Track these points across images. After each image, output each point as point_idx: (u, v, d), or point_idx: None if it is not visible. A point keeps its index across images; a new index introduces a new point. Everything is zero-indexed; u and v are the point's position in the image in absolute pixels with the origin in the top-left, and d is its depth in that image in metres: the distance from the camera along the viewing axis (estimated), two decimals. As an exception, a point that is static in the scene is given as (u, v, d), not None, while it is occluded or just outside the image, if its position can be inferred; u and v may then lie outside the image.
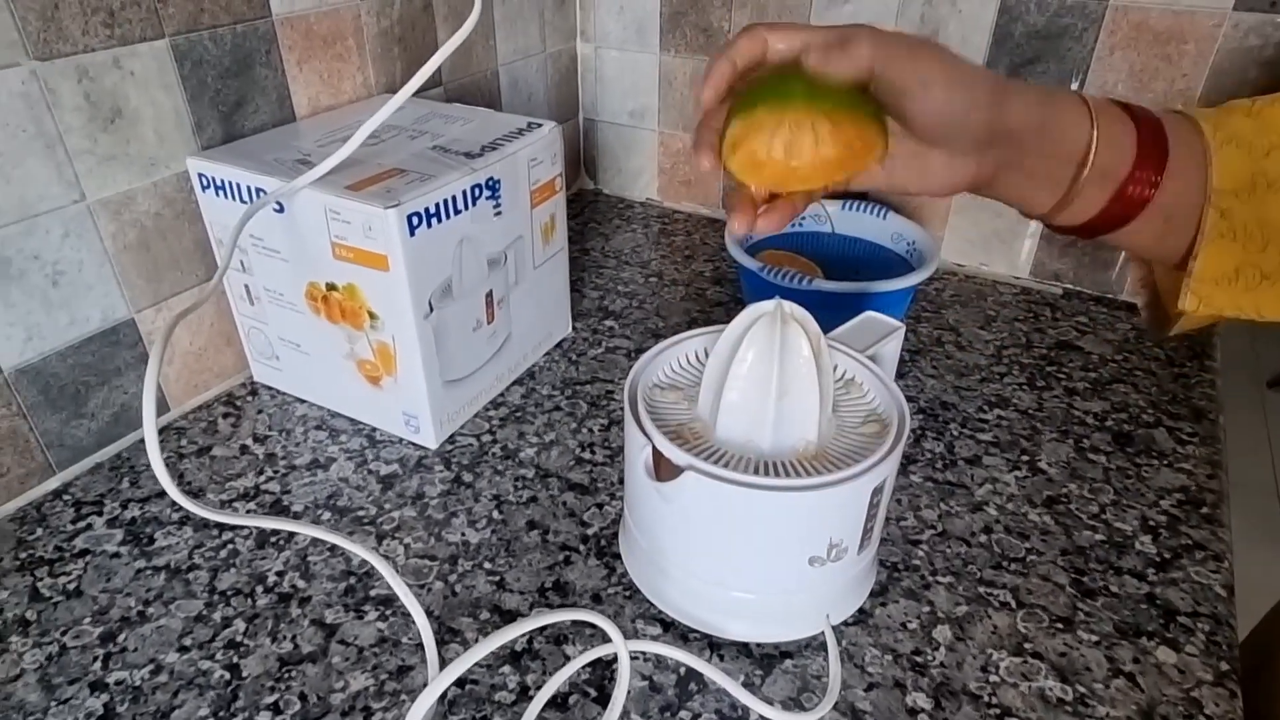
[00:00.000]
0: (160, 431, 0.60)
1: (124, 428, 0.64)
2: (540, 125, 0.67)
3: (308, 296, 0.61)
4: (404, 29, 0.77)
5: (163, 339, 0.46)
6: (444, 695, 0.45)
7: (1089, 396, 0.70)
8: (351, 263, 0.57)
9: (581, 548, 0.55)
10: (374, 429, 0.66)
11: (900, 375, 0.71)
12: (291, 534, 0.56)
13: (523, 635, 0.48)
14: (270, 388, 0.71)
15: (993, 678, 0.46)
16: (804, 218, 0.85)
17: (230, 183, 0.59)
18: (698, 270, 0.92)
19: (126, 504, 0.59)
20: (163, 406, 0.66)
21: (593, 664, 0.47)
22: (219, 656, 0.48)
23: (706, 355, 0.51)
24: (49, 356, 0.58)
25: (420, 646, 0.48)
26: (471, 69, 0.87)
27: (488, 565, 0.54)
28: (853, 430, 0.48)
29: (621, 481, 0.61)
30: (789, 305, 0.45)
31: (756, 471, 0.44)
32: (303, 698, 0.45)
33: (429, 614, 0.50)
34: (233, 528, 0.56)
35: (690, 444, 0.46)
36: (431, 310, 0.59)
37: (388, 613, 0.50)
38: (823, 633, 0.48)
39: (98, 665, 0.47)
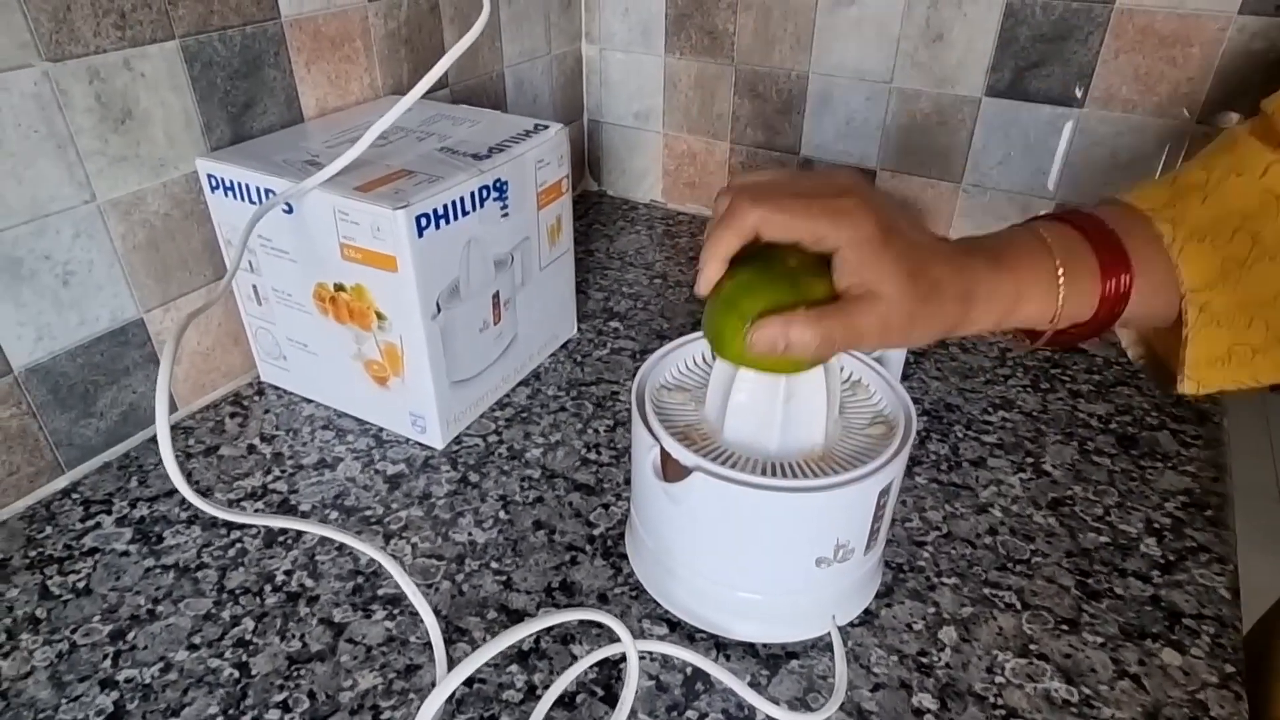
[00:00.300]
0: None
1: (132, 427, 0.64)
2: (547, 127, 0.67)
3: (316, 297, 0.62)
4: (411, 31, 0.78)
5: (174, 339, 0.46)
6: (452, 694, 0.45)
7: (1093, 399, 0.71)
8: (360, 263, 0.57)
9: (588, 548, 0.55)
10: (381, 429, 0.66)
11: (905, 377, 0.72)
12: (299, 533, 0.56)
13: (530, 635, 0.48)
14: (277, 388, 0.71)
15: (998, 679, 0.47)
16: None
17: (239, 183, 0.59)
18: (702, 272, 0.92)
19: (135, 503, 0.59)
20: (170, 406, 0.66)
21: (600, 663, 0.47)
22: (228, 655, 0.48)
23: (714, 357, 0.51)
24: (59, 356, 0.58)
25: (428, 645, 0.48)
26: (478, 70, 0.88)
27: (495, 565, 0.54)
28: (859, 432, 0.48)
29: (627, 482, 0.61)
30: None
31: (764, 473, 0.44)
32: (311, 696, 0.46)
33: (437, 613, 0.50)
34: (241, 527, 0.57)
35: (698, 445, 0.46)
36: (439, 311, 0.59)
37: (395, 612, 0.51)
38: (829, 633, 0.48)
39: (108, 663, 0.47)
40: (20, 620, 0.50)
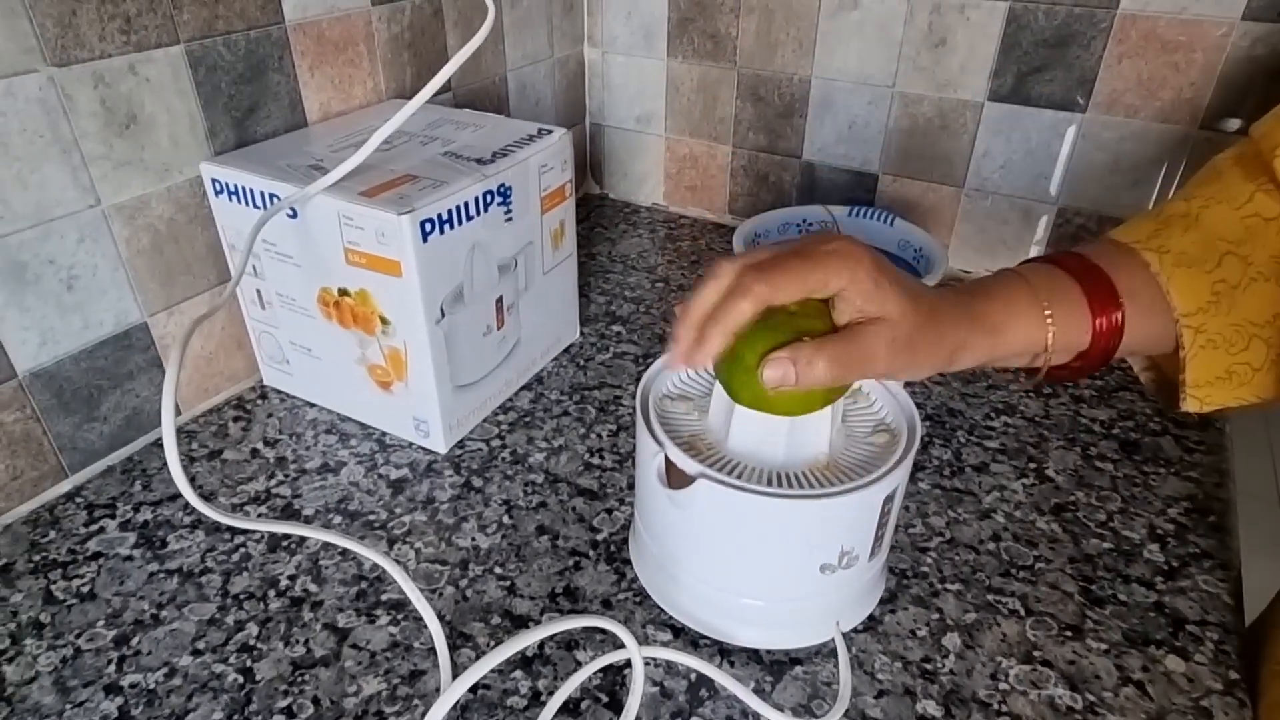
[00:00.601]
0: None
1: (136, 431, 0.64)
2: (551, 132, 0.67)
3: (320, 301, 0.62)
4: (414, 35, 0.78)
5: (180, 344, 0.46)
6: (456, 701, 0.45)
7: (1095, 404, 0.71)
8: (364, 268, 0.57)
9: (591, 553, 0.56)
10: (384, 433, 0.66)
11: (907, 382, 0.72)
12: (303, 538, 0.56)
13: (535, 641, 0.48)
14: (280, 392, 0.71)
15: (1002, 685, 0.47)
16: (810, 224, 0.86)
17: (243, 188, 0.60)
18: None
19: (139, 507, 0.59)
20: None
21: (604, 669, 0.47)
22: (232, 660, 0.48)
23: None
24: (63, 360, 0.58)
25: (432, 651, 0.48)
26: (480, 74, 0.88)
27: (498, 570, 0.54)
28: (863, 439, 0.48)
29: (631, 487, 0.61)
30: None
31: (768, 481, 0.44)
32: (316, 701, 0.46)
33: (441, 619, 0.50)
34: (244, 531, 0.57)
35: (702, 454, 0.46)
36: (443, 316, 0.59)
37: (399, 617, 0.51)
38: (833, 640, 0.48)
39: (112, 668, 0.47)
40: (24, 625, 0.50)
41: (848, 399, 0.51)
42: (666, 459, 0.45)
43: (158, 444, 0.65)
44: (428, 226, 0.55)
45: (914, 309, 0.40)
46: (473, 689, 0.46)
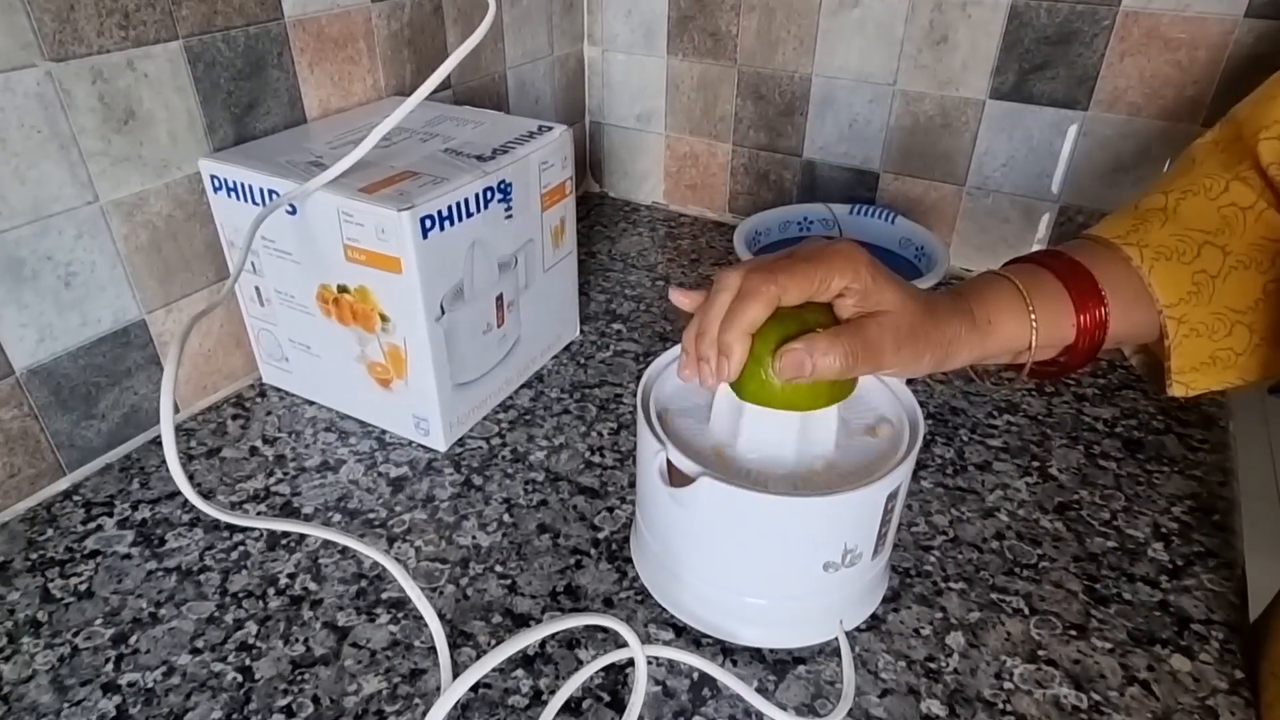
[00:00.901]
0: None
1: (134, 429, 0.64)
2: (551, 129, 0.67)
3: (319, 299, 0.61)
4: (414, 32, 0.77)
5: (179, 342, 0.46)
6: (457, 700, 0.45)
7: (1098, 403, 0.70)
8: (364, 265, 0.57)
9: (593, 551, 0.55)
10: (384, 431, 0.66)
11: (910, 380, 0.71)
12: (302, 536, 0.56)
13: (537, 640, 0.48)
14: (279, 389, 0.71)
15: (1007, 685, 0.46)
16: (811, 222, 0.85)
17: (242, 184, 0.59)
18: (704, 273, 0.92)
19: (137, 505, 0.59)
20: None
21: (605, 669, 0.47)
22: (231, 659, 0.48)
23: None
24: (60, 357, 0.58)
25: (433, 650, 0.48)
26: (480, 72, 0.88)
27: (499, 569, 0.54)
28: (865, 437, 0.48)
29: (632, 485, 0.61)
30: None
31: (790, 480, 0.44)
32: (316, 700, 0.45)
33: (441, 617, 0.50)
34: (243, 529, 0.56)
35: (704, 454, 0.46)
36: (443, 313, 0.59)
37: (400, 616, 0.50)
38: (836, 639, 0.48)
39: (110, 667, 0.47)
40: (21, 623, 0.50)
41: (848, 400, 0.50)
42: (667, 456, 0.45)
43: (156, 442, 0.65)
44: (428, 223, 0.55)
45: (912, 302, 0.42)
46: (473, 688, 0.46)
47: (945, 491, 0.61)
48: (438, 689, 0.46)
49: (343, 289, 0.59)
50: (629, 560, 0.54)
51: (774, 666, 0.48)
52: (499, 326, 0.66)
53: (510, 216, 0.63)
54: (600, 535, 0.56)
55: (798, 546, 0.45)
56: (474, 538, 0.56)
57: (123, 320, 0.61)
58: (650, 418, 0.47)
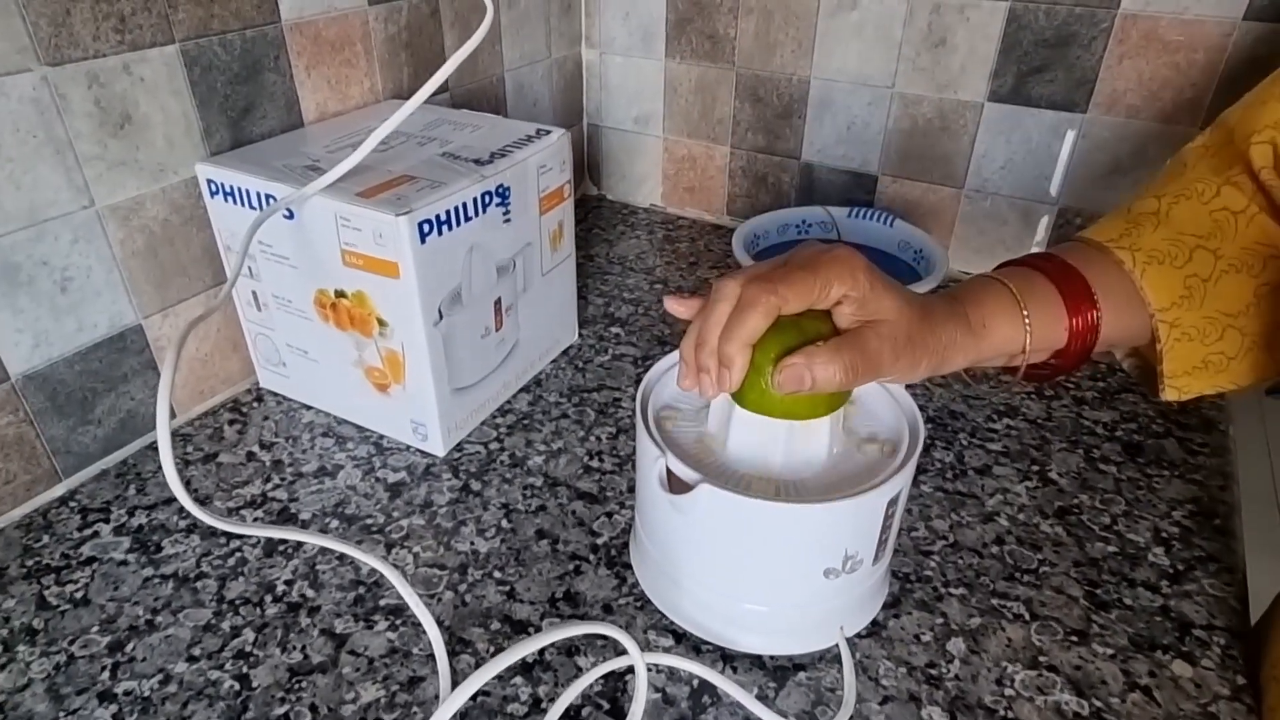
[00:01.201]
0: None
1: (130, 434, 0.63)
2: (549, 132, 0.66)
3: (316, 303, 0.61)
4: (411, 35, 0.77)
5: (176, 347, 0.46)
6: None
7: (1098, 406, 0.70)
8: (361, 270, 0.57)
9: (591, 557, 0.55)
10: (381, 436, 0.66)
11: (908, 385, 0.71)
12: (300, 542, 0.55)
13: (537, 648, 0.48)
14: (276, 394, 0.71)
15: (1008, 691, 0.46)
16: (810, 225, 0.85)
17: (239, 189, 0.59)
18: (703, 277, 0.92)
19: (133, 511, 0.58)
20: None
21: (605, 676, 0.47)
22: (228, 666, 0.47)
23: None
24: (56, 363, 0.57)
25: (431, 657, 0.47)
26: (478, 75, 0.87)
27: (498, 575, 0.54)
28: (865, 440, 0.48)
29: (631, 490, 0.60)
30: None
31: (775, 487, 0.43)
32: (313, 709, 0.45)
33: (439, 624, 0.50)
34: (240, 536, 0.56)
35: (703, 460, 0.45)
36: (441, 318, 0.58)
37: (398, 623, 0.50)
38: (836, 645, 0.48)
39: (106, 675, 0.47)
40: (17, 631, 0.49)
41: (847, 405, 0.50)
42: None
43: (152, 447, 0.64)
44: (426, 227, 0.55)
45: (909, 309, 0.42)
46: (472, 695, 0.45)
47: (945, 496, 0.60)
48: (436, 697, 0.45)
49: (340, 294, 0.59)
50: (628, 566, 0.54)
51: (774, 673, 0.47)
52: (497, 331, 0.65)
53: (508, 220, 0.63)
54: (599, 541, 0.56)
55: (798, 553, 0.44)
56: (472, 543, 0.56)
57: (119, 325, 0.60)
58: (649, 424, 0.47)
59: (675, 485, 0.45)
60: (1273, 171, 0.46)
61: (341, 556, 0.54)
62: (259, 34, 0.63)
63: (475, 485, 0.61)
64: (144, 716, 0.45)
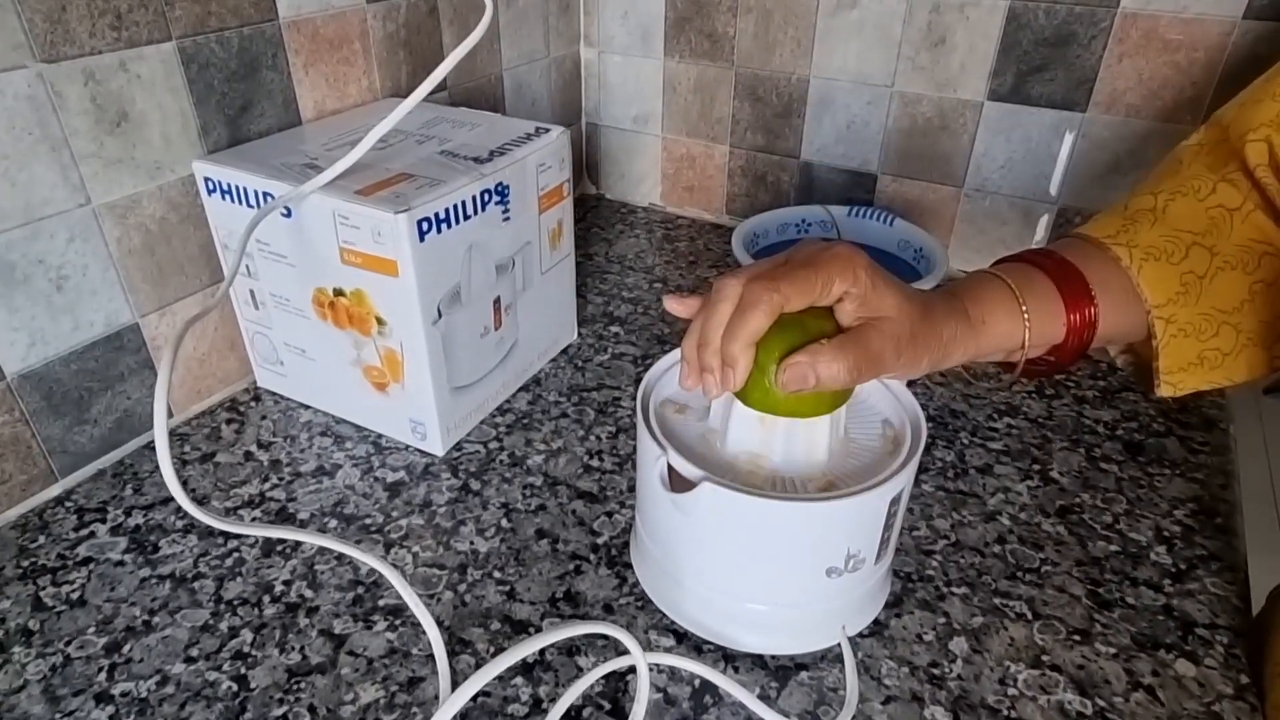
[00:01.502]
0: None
1: (127, 434, 0.63)
2: (548, 130, 0.66)
3: (314, 302, 0.61)
4: (410, 33, 0.77)
5: (173, 346, 0.45)
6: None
7: (1099, 405, 0.70)
8: (360, 268, 0.56)
9: (592, 557, 0.55)
10: (380, 435, 0.65)
11: (909, 383, 0.71)
12: (298, 542, 0.55)
13: (538, 648, 0.47)
14: (274, 393, 0.70)
15: (1011, 690, 0.46)
16: (809, 225, 0.85)
17: (237, 187, 0.59)
18: (702, 276, 0.92)
19: (130, 511, 0.58)
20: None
21: (606, 676, 0.46)
22: (226, 667, 0.47)
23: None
24: (52, 362, 0.57)
25: (431, 658, 0.47)
26: (476, 73, 0.87)
27: (497, 575, 0.53)
28: (865, 441, 0.47)
29: (631, 490, 0.60)
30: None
31: (772, 485, 0.43)
32: (312, 710, 0.45)
33: (439, 624, 0.49)
34: (238, 536, 0.56)
35: (704, 457, 0.45)
36: (440, 316, 0.58)
37: (397, 623, 0.50)
38: (838, 644, 0.48)
39: (103, 676, 0.46)
40: (13, 632, 0.49)
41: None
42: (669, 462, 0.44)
43: (149, 447, 0.64)
44: (425, 225, 0.54)
45: (910, 305, 0.42)
46: (472, 696, 0.45)
47: (946, 495, 0.60)
48: (436, 697, 0.45)
49: (339, 292, 0.59)
50: (628, 565, 0.54)
51: (776, 673, 0.47)
52: (496, 329, 0.65)
53: (508, 219, 0.62)
54: (599, 540, 0.56)
55: (801, 552, 0.44)
56: (472, 543, 0.56)
57: (115, 324, 0.60)
58: (650, 422, 0.47)
59: (677, 483, 0.45)
60: (1268, 169, 0.46)
61: (340, 556, 0.54)
62: (257, 31, 0.63)
63: (474, 485, 0.61)
64: (141, 718, 0.44)
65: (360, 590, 0.52)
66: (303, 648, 0.48)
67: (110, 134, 0.56)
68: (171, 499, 0.58)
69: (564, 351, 0.77)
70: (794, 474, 0.45)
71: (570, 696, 0.44)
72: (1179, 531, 0.57)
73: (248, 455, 0.63)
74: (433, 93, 0.81)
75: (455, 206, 0.56)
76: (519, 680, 0.46)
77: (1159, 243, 0.46)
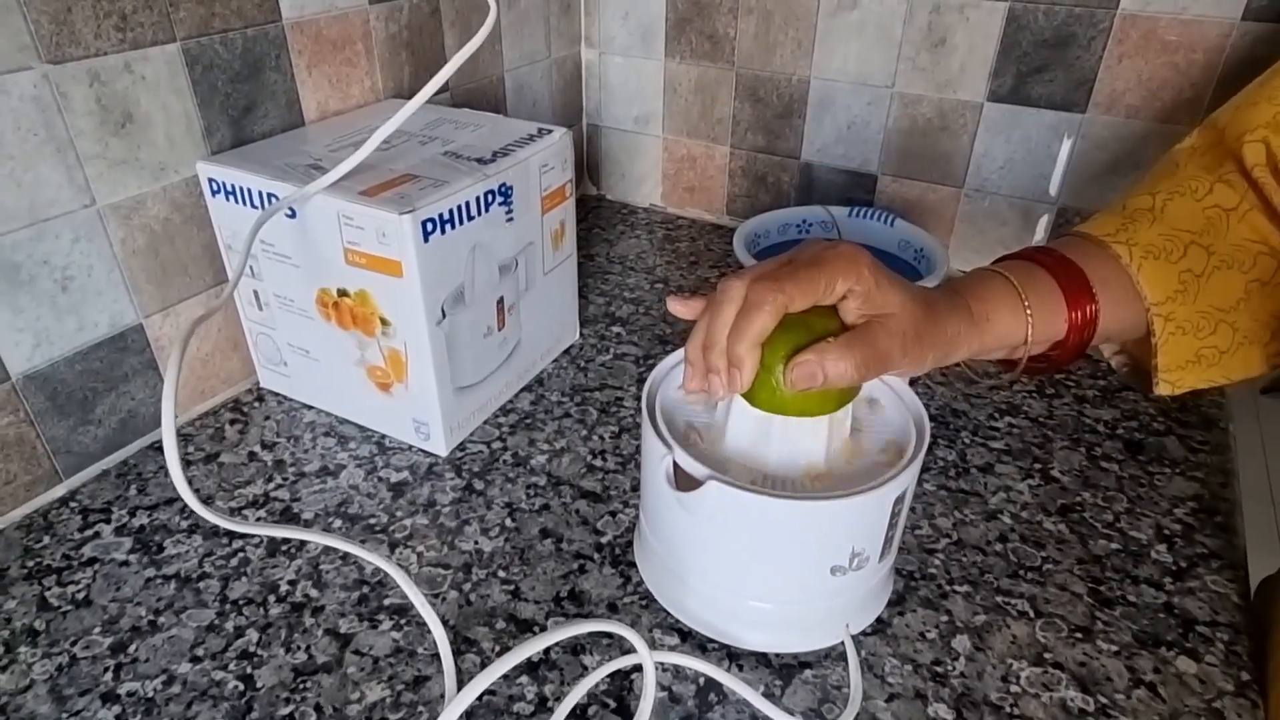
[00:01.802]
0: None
1: (131, 434, 0.63)
2: (551, 131, 0.66)
3: (318, 303, 0.61)
4: (412, 34, 0.77)
5: (180, 347, 0.45)
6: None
7: (1099, 404, 0.70)
8: (364, 269, 0.57)
9: (596, 556, 0.55)
10: (383, 436, 0.65)
11: (910, 382, 0.71)
12: (303, 542, 0.55)
13: (544, 647, 0.48)
14: (278, 394, 0.70)
15: (1013, 688, 0.46)
16: (810, 225, 0.85)
17: (241, 188, 0.59)
18: (703, 276, 0.92)
19: (135, 511, 0.58)
20: (169, 413, 0.65)
21: (610, 674, 0.46)
22: (232, 667, 0.47)
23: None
24: (57, 363, 0.57)
25: (436, 657, 0.47)
26: (477, 74, 0.87)
27: (502, 574, 0.53)
28: (867, 440, 0.48)
29: (634, 489, 0.60)
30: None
31: (773, 484, 0.43)
32: (318, 709, 0.45)
33: (444, 623, 0.49)
34: (243, 535, 0.56)
35: (708, 456, 0.45)
36: (444, 317, 0.58)
37: (402, 622, 0.50)
38: (842, 643, 0.48)
39: (109, 676, 0.47)
40: (18, 632, 0.49)
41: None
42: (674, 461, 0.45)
43: (153, 447, 0.64)
44: (429, 226, 0.54)
45: (914, 302, 0.42)
46: (478, 695, 0.45)
47: (948, 494, 0.60)
48: (442, 696, 0.45)
49: (343, 293, 0.59)
50: (632, 565, 0.54)
51: (780, 671, 0.47)
52: (499, 330, 0.65)
53: (511, 219, 0.62)
54: (603, 540, 0.56)
55: (805, 550, 0.44)
56: (476, 543, 0.56)
57: (120, 325, 0.60)
58: (656, 421, 0.47)
59: (682, 482, 0.45)
60: (1265, 169, 0.47)
61: (345, 556, 0.54)
62: (260, 33, 0.63)
63: (478, 484, 0.61)
64: (147, 718, 0.44)
65: (365, 590, 0.52)
66: (308, 647, 0.48)
67: (115, 135, 0.56)
68: (176, 499, 0.59)
69: (566, 352, 0.77)
70: (791, 471, 0.45)
71: (576, 695, 0.44)
72: (1179, 530, 0.57)
73: (251, 456, 0.63)
74: (435, 94, 0.81)
75: (459, 207, 0.57)
76: (524, 679, 0.46)
77: (1158, 241, 0.47)
